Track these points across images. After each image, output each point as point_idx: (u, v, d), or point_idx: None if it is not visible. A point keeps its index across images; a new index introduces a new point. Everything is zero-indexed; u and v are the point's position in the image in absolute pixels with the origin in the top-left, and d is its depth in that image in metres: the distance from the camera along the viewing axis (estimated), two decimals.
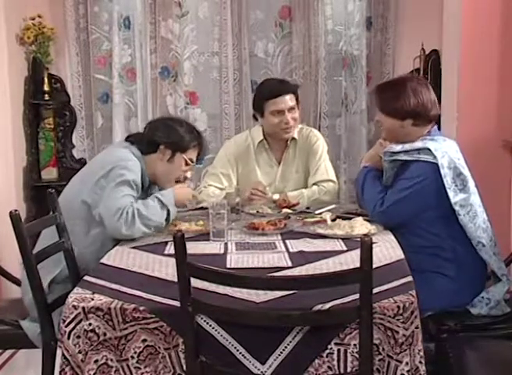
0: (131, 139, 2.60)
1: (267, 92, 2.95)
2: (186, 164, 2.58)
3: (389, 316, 1.64)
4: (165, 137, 2.54)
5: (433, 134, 2.40)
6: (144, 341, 1.71)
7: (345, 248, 2.22)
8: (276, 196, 2.92)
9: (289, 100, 2.91)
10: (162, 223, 2.42)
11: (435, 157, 2.26)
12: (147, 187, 2.60)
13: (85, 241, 2.42)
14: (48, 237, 2.38)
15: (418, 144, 2.33)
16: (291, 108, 2.92)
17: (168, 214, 2.44)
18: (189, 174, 2.63)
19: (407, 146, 2.34)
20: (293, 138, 3.04)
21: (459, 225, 2.28)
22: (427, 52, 3.89)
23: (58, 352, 1.76)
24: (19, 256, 2.15)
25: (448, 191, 2.24)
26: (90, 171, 2.51)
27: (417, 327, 1.66)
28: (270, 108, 2.91)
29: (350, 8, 3.98)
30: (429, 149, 2.27)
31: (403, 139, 2.40)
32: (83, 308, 1.71)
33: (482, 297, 2.27)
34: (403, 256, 2.10)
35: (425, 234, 2.34)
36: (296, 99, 2.97)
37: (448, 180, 2.25)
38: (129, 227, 2.32)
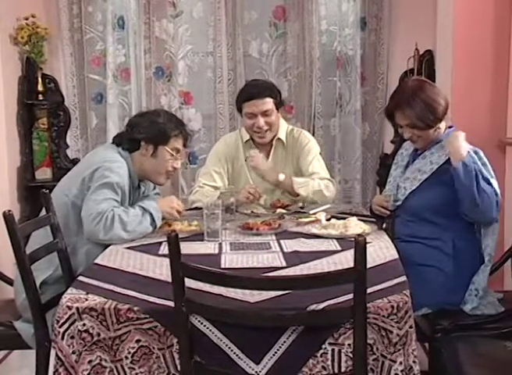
0: (116, 140, 2.58)
1: (243, 95, 2.98)
2: (172, 155, 2.55)
3: (383, 316, 1.65)
4: (144, 133, 2.51)
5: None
6: (138, 341, 1.71)
7: (339, 248, 2.22)
8: (282, 176, 2.90)
9: (263, 104, 2.91)
10: (147, 228, 2.40)
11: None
12: (137, 188, 2.59)
13: (77, 241, 2.42)
14: (39, 237, 2.37)
15: None
16: (265, 112, 2.92)
17: (153, 218, 2.40)
18: (178, 164, 2.60)
19: None
20: (279, 138, 3.04)
21: (461, 218, 2.32)
22: (421, 52, 3.90)
23: (52, 353, 1.76)
24: (13, 257, 2.14)
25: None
26: (77, 172, 2.50)
27: (411, 327, 1.66)
28: (245, 109, 2.95)
29: (344, 9, 3.99)
30: None
31: (436, 138, 2.44)
32: (77, 308, 1.71)
33: (470, 290, 2.29)
34: (397, 256, 2.10)
35: (429, 224, 2.36)
36: (278, 103, 2.97)
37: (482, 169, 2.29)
38: (106, 232, 2.30)
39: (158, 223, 2.43)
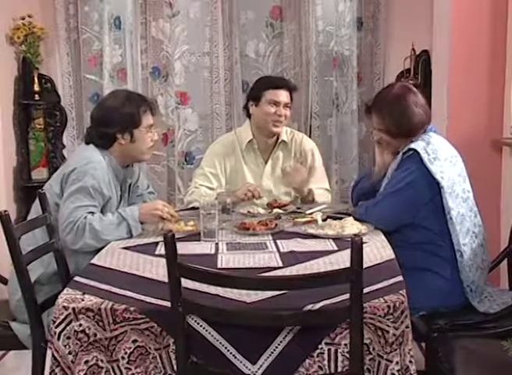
0: (95, 142, 2.52)
1: (269, 82, 3.03)
2: (147, 132, 2.53)
3: (380, 316, 1.65)
4: (114, 126, 2.47)
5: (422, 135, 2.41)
6: (135, 341, 1.71)
7: (336, 248, 2.22)
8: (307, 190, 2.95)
9: (287, 96, 2.97)
10: (122, 237, 2.37)
11: (415, 150, 2.29)
12: (123, 179, 2.58)
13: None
14: (28, 239, 2.35)
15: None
16: (286, 104, 2.96)
17: (130, 228, 2.38)
18: (155, 136, 2.59)
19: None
20: (283, 141, 3.05)
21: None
22: (417, 53, 3.91)
23: (48, 353, 1.75)
24: (9, 257, 2.14)
25: (434, 175, 2.25)
26: (59, 171, 2.51)
27: (407, 327, 1.66)
28: (268, 96, 2.95)
29: (340, 9, 3.99)
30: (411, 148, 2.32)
31: (397, 148, 2.44)
32: (74, 308, 1.71)
33: (464, 288, 2.28)
34: (393, 256, 2.10)
35: (420, 230, 2.33)
36: (291, 100, 3.01)
37: (432, 169, 2.26)
38: (76, 242, 2.31)
39: (135, 233, 2.39)
